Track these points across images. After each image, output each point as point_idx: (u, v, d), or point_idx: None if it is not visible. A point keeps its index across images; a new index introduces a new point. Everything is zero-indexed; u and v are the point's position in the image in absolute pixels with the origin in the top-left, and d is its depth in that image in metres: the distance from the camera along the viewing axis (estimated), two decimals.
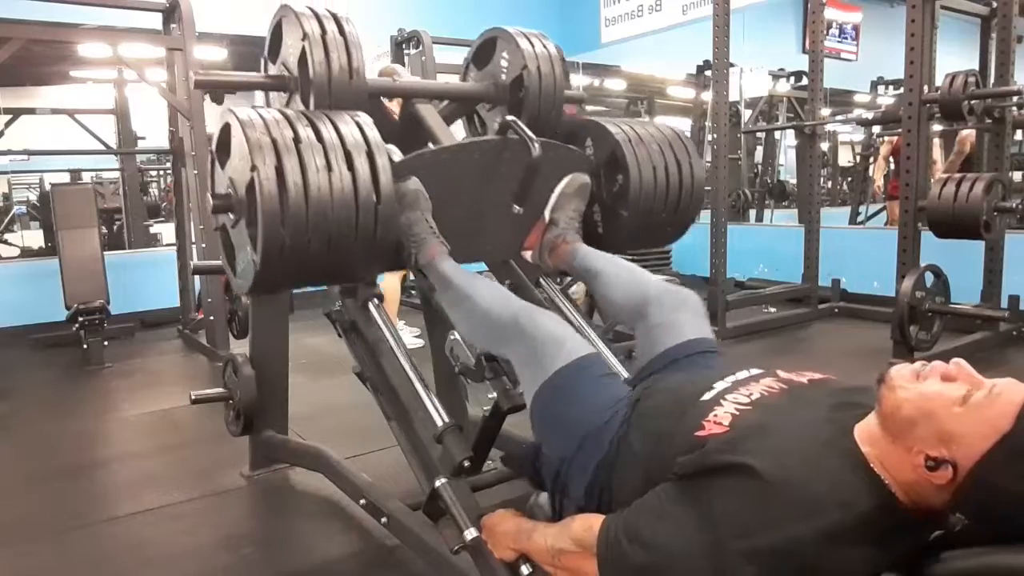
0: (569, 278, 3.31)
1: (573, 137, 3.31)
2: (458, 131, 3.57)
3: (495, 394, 2.58)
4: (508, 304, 2.48)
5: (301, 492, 3.89)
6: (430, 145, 3.19)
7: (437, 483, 2.51)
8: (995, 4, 7.55)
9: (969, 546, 1.56)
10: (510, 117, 2.91)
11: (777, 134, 13.58)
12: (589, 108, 9.57)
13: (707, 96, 10.88)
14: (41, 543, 3.45)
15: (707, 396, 1.91)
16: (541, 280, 3.29)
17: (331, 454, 3.57)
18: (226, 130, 2.46)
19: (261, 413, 3.85)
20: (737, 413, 1.80)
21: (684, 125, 13.45)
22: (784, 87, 12.72)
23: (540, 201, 3.08)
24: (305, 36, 2.71)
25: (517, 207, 2.98)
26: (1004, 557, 1.50)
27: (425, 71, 3.99)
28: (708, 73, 9.68)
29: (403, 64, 4.68)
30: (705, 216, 7.24)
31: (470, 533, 2.37)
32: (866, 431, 1.64)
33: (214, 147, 2.57)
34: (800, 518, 1.53)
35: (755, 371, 2.03)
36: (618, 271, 2.78)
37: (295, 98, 2.85)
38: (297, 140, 2.36)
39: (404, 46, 6.96)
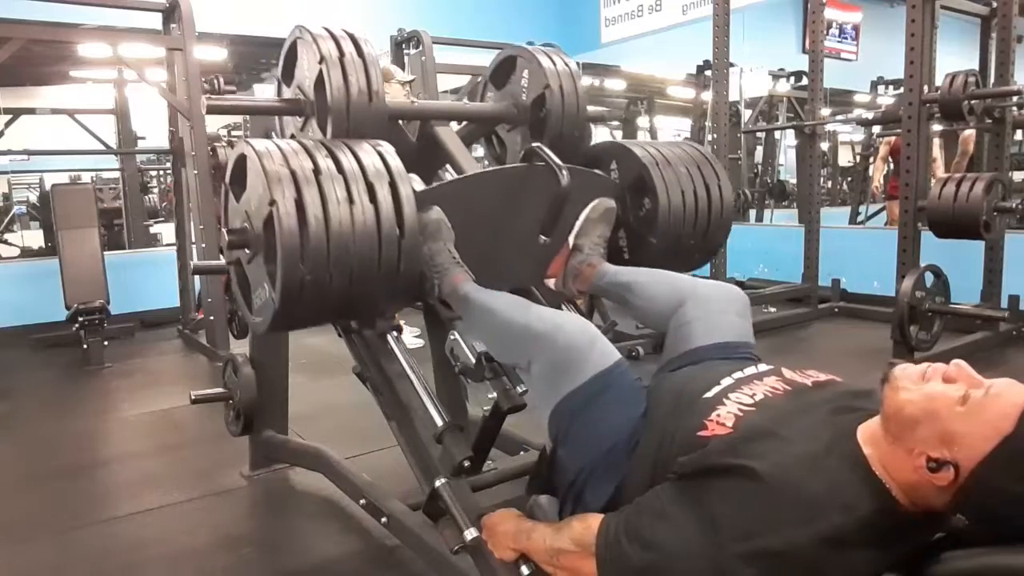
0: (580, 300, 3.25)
1: (597, 160, 3.25)
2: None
3: (495, 394, 2.58)
4: (528, 312, 2.39)
5: (301, 492, 3.89)
6: (448, 168, 3.15)
7: (437, 483, 2.51)
8: (995, 4, 7.57)
9: (970, 547, 1.57)
10: (536, 144, 2.82)
11: (777, 134, 13.58)
12: (589, 108, 9.60)
13: (707, 96, 10.86)
14: (41, 543, 3.45)
15: (710, 394, 1.91)
16: (563, 306, 3.19)
17: (331, 454, 3.57)
18: (241, 161, 2.39)
19: (261, 413, 3.85)
20: (741, 414, 1.79)
21: (684, 125, 13.44)
22: (784, 87, 12.72)
23: (564, 227, 3.00)
24: (322, 59, 2.64)
25: (544, 237, 2.88)
26: (1005, 558, 1.50)
27: (425, 71, 3.98)
28: (708, 73, 9.67)
29: (403, 64, 4.67)
30: None
31: (470, 533, 2.37)
32: (868, 433, 1.65)
33: (228, 179, 2.51)
34: (801, 521, 1.53)
35: (762, 367, 2.02)
36: (654, 277, 2.72)
37: (311, 123, 2.79)
38: (317, 171, 2.29)
39: (404, 46, 6.96)
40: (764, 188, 13.15)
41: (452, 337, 2.61)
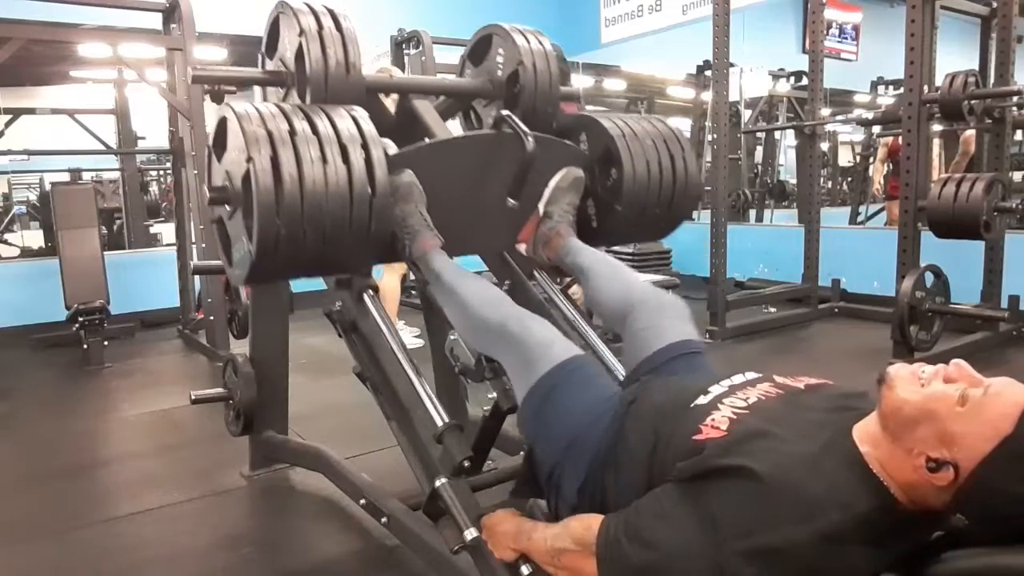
0: (568, 278, 3.31)
1: (568, 132, 3.32)
2: (454, 128, 3.58)
3: (495, 394, 2.58)
4: (499, 308, 2.47)
5: (301, 492, 3.89)
6: (426, 140, 3.20)
7: (437, 483, 2.51)
8: (995, 4, 7.55)
9: (969, 547, 1.57)
10: (505, 112, 2.92)
11: (777, 134, 13.59)
12: (589, 108, 9.64)
13: (707, 96, 10.87)
14: (41, 543, 3.45)
15: (703, 400, 1.91)
16: (536, 273, 3.30)
17: (331, 454, 3.57)
18: (222, 124, 2.47)
19: (261, 413, 3.86)
20: (735, 417, 1.80)
21: (684, 125, 13.45)
22: (784, 87, 12.72)
23: (534, 195, 3.08)
24: (302, 32, 2.71)
25: (512, 201, 2.97)
26: (1005, 558, 1.50)
27: (425, 71, 3.99)
28: (708, 73, 9.67)
29: (403, 64, 4.68)
30: (705, 216, 7.22)
31: (470, 533, 2.37)
32: (865, 432, 1.65)
33: (211, 141, 2.57)
34: (799, 519, 1.53)
35: (751, 375, 2.03)
36: (605, 271, 2.78)
37: (292, 93, 2.85)
38: (293, 133, 2.36)
39: (404, 46, 6.97)
40: (764, 188, 13.15)
41: (452, 337, 2.62)
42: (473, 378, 2.59)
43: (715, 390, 1.95)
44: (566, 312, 3.11)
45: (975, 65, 9.52)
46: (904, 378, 1.61)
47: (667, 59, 12.41)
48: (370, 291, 3.04)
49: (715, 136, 7.24)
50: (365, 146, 2.47)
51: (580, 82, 11.35)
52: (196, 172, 6.67)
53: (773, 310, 7.91)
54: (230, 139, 2.43)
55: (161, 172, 15.90)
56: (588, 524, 1.88)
